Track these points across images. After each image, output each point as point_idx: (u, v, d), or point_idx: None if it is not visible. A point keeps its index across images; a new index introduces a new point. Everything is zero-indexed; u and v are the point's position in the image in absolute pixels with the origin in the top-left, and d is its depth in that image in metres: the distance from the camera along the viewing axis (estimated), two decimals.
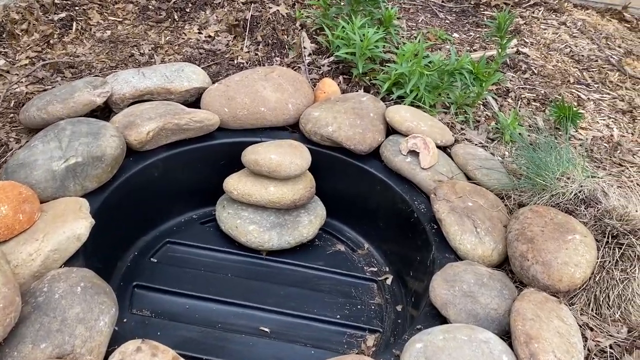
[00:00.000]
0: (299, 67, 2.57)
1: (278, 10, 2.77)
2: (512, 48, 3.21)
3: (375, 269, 2.17)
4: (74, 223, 1.58)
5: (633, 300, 1.62)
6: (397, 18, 3.01)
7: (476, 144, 2.34)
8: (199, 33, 2.75)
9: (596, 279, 1.66)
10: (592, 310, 1.65)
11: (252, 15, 2.76)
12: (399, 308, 1.98)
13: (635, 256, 1.66)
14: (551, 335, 1.46)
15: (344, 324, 1.92)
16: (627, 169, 2.41)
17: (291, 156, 2.03)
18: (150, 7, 2.90)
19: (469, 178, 2.10)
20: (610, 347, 1.56)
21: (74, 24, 2.64)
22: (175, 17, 2.84)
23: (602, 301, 1.64)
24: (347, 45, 2.48)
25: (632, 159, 2.48)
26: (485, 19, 3.46)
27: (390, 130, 2.25)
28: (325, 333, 1.90)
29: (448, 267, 1.69)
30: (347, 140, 2.13)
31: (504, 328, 1.55)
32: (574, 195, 1.85)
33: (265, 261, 2.13)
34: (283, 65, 2.56)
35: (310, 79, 2.51)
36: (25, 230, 1.55)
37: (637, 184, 2.35)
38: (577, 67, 3.18)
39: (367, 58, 2.50)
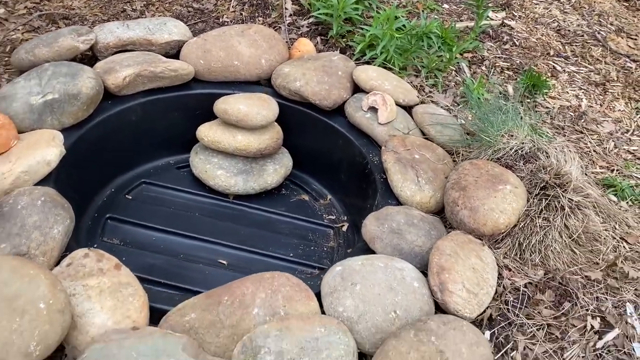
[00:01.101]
0: (280, 27, 2.70)
1: None
2: (498, 20, 3.28)
3: (334, 217, 2.32)
4: (46, 150, 1.76)
5: (552, 247, 1.73)
6: None
7: (441, 107, 2.45)
8: None
9: (521, 226, 1.78)
10: (514, 254, 1.77)
11: None
12: (349, 251, 2.13)
13: (559, 206, 1.77)
14: (464, 269, 1.59)
15: (296, 262, 2.08)
16: (587, 136, 2.50)
17: (258, 107, 2.18)
18: None
19: (423, 134, 2.23)
20: (525, 286, 1.68)
21: None
22: None
23: (525, 246, 1.76)
24: (325, 6, 2.60)
25: (594, 127, 2.57)
26: None
27: (357, 90, 2.38)
28: (278, 268, 2.04)
29: (383, 209, 1.83)
30: (313, 95, 2.27)
31: (425, 263, 1.68)
32: (514, 151, 1.96)
33: (231, 204, 2.29)
34: (265, 25, 2.69)
35: (289, 39, 2.65)
36: (0, 154, 1.73)
37: (594, 151, 2.44)
38: (560, 41, 3.23)
39: (344, 20, 2.62)
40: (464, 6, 3.46)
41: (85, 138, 2.04)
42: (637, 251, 1.87)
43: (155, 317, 1.47)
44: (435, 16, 3.10)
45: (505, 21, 3.28)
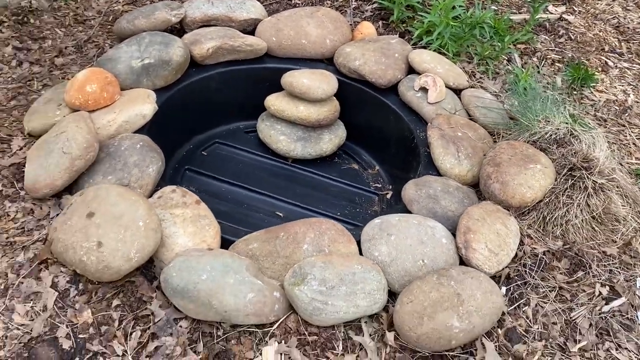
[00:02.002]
0: (345, 11, 2.95)
1: None
2: (557, 14, 3.40)
3: (380, 186, 2.58)
4: (142, 105, 2.12)
5: (573, 222, 1.93)
6: None
7: (489, 92, 2.65)
8: None
9: (546, 202, 1.98)
10: (538, 225, 1.98)
11: None
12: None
13: (583, 186, 1.96)
14: (489, 233, 1.83)
15: (342, 220, 2.36)
16: (628, 129, 2.63)
17: (320, 82, 2.45)
18: None
19: (469, 116, 2.44)
20: (543, 253, 1.89)
21: None
22: None
23: (548, 220, 1.96)
24: None
25: (637, 122, 2.69)
26: None
27: (411, 71, 2.61)
28: None
29: (423, 177, 2.08)
30: (370, 74, 2.52)
31: (455, 226, 1.92)
32: (549, 135, 2.15)
33: (290, 166, 2.59)
34: (332, 8, 2.95)
35: (354, 22, 2.90)
36: (107, 106, 2.10)
37: (633, 143, 2.58)
38: (617, 38, 3.32)
39: (406, 6, 2.84)
40: None
41: (173, 99, 2.38)
42: None
43: (224, 246, 1.79)
44: (494, 7, 3.26)
45: (563, 15, 3.40)
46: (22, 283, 1.61)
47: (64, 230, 1.62)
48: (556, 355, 1.66)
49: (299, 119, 2.51)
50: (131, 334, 1.56)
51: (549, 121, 2.17)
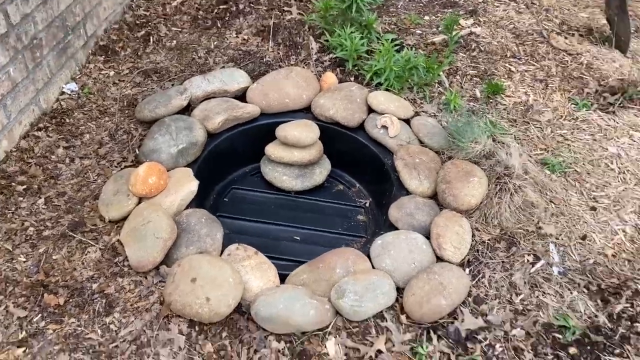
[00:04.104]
0: (309, 63, 3.71)
1: (292, 17, 3.85)
2: (467, 28, 4.27)
3: (363, 201, 3.43)
4: (190, 184, 2.84)
5: (504, 214, 2.87)
6: (377, 18, 4.04)
7: (429, 115, 3.51)
8: (237, 37, 3.87)
9: (484, 203, 2.91)
10: (482, 221, 2.90)
11: (273, 22, 3.86)
12: (380, 231, 3.26)
13: (507, 189, 2.89)
14: (452, 234, 2.73)
15: (344, 234, 3.20)
16: (532, 125, 3.58)
17: (307, 132, 3.23)
18: (199, 16, 4.00)
19: (420, 141, 3.31)
20: (489, 240, 2.82)
21: (151, 37, 3.77)
22: (218, 24, 3.95)
23: (487, 216, 2.89)
24: (341, 47, 3.60)
25: (538, 117, 3.64)
26: None
27: (371, 110, 3.43)
28: (333, 239, 3.18)
29: (399, 200, 2.95)
30: (342, 119, 3.32)
31: (429, 232, 2.80)
32: (479, 152, 3.05)
33: (294, 197, 3.39)
34: (298, 62, 3.70)
35: (317, 71, 3.66)
36: (163, 190, 2.81)
37: (536, 136, 3.53)
38: (515, 42, 4.24)
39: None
40: (441, 16, 4.44)
41: (200, 167, 3.11)
42: (559, 208, 3.01)
43: (281, 279, 2.60)
44: (419, 31, 4.09)
45: (472, 29, 4.28)
46: (158, 334, 2.37)
47: (177, 293, 2.38)
48: (507, 307, 2.60)
49: (295, 162, 3.30)
50: (239, 353, 2.37)
51: (478, 142, 3.07)
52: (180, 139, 2.99)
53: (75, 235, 2.68)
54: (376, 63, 3.51)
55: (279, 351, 2.38)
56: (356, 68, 3.68)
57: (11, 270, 2.53)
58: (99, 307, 2.44)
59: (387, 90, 3.54)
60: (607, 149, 3.43)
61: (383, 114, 3.32)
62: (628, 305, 2.61)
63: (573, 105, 3.72)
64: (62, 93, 3.32)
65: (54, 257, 2.60)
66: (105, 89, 3.43)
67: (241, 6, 4.05)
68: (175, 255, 2.58)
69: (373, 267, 2.64)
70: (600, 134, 3.53)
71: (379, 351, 2.39)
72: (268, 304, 2.38)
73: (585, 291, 2.67)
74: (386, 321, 2.50)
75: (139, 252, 2.53)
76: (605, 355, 2.43)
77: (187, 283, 2.38)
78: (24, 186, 2.87)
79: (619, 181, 3.23)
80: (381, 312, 2.53)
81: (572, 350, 2.44)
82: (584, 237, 2.89)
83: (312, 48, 3.73)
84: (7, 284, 2.47)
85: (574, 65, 4.04)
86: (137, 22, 3.81)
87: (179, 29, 3.90)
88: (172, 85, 3.45)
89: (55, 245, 2.64)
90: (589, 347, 2.46)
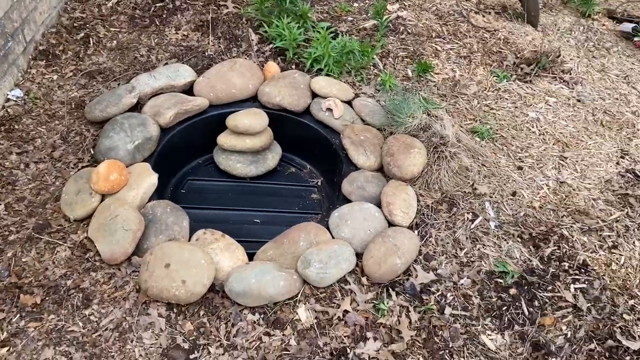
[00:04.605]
0: (250, 54, 3.86)
1: (229, 11, 3.98)
2: (394, 13, 4.56)
3: (315, 180, 3.65)
4: (150, 177, 2.95)
5: (443, 179, 3.17)
6: (310, 8, 4.24)
7: (368, 95, 3.77)
8: (176, 33, 3.96)
9: (426, 171, 3.20)
10: (425, 187, 3.20)
11: (211, 17, 3.98)
12: (335, 205, 3.49)
13: (444, 156, 3.20)
14: (400, 201, 3.00)
15: (301, 212, 3.41)
16: (460, 98, 3.92)
17: (256, 119, 3.41)
18: (136, 15, 4.05)
19: (362, 120, 3.56)
20: (432, 203, 3.12)
21: (90, 39, 3.80)
22: (157, 22, 4.02)
23: (429, 182, 3.19)
24: (280, 38, 3.79)
25: (465, 91, 3.98)
26: None
27: (315, 95, 3.64)
28: (291, 218, 3.37)
29: (350, 175, 3.19)
30: (289, 105, 3.52)
31: (379, 202, 3.06)
32: (416, 126, 3.34)
33: (249, 183, 3.56)
34: (240, 54, 3.85)
35: (259, 62, 3.83)
36: (125, 185, 2.91)
37: (465, 108, 3.87)
38: (438, 23, 4.57)
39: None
40: (369, 2, 4.69)
41: (157, 161, 3.21)
42: (491, 170, 3.35)
43: (249, 258, 2.78)
44: (350, 18, 4.33)
45: (398, 13, 4.57)
46: (139, 320, 2.50)
47: (153, 279, 2.52)
48: (453, 260, 2.91)
49: (247, 149, 3.46)
50: (218, 328, 2.54)
51: (414, 117, 3.36)
52: (135, 135, 3.08)
53: (42, 237, 2.74)
54: (315, 50, 3.72)
55: (254, 322, 2.57)
56: (296, 56, 3.87)
57: None
58: (76, 302, 2.53)
59: (327, 75, 3.76)
60: (527, 114, 3.82)
61: (326, 97, 3.54)
62: (555, 248, 2.98)
63: (495, 78, 4.09)
64: (8, 100, 3.32)
65: (23, 260, 2.65)
66: (51, 93, 3.45)
67: (177, 3, 4.13)
68: (146, 245, 2.71)
69: (333, 237, 2.87)
70: (520, 102, 3.93)
71: (346, 311, 2.63)
72: (241, 280, 2.56)
73: (519, 240, 3.02)
74: (349, 284, 2.74)
75: (110, 246, 2.63)
76: (540, 292, 2.79)
77: (162, 269, 2.52)
78: None
79: (540, 142, 3.63)
80: (344, 276, 2.77)
81: (513, 291, 2.79)
82: (514, 194, 3.25)
83: (252, 40, 3.88)
84: None
85: (492, 41, 4.42)
86: (75, 24, 3.82)
87: (118, 29, 3.94)
88: (118, 84, 3.52)
89: (23, 248, 2.70)
90: (526, 287, 2.81)
